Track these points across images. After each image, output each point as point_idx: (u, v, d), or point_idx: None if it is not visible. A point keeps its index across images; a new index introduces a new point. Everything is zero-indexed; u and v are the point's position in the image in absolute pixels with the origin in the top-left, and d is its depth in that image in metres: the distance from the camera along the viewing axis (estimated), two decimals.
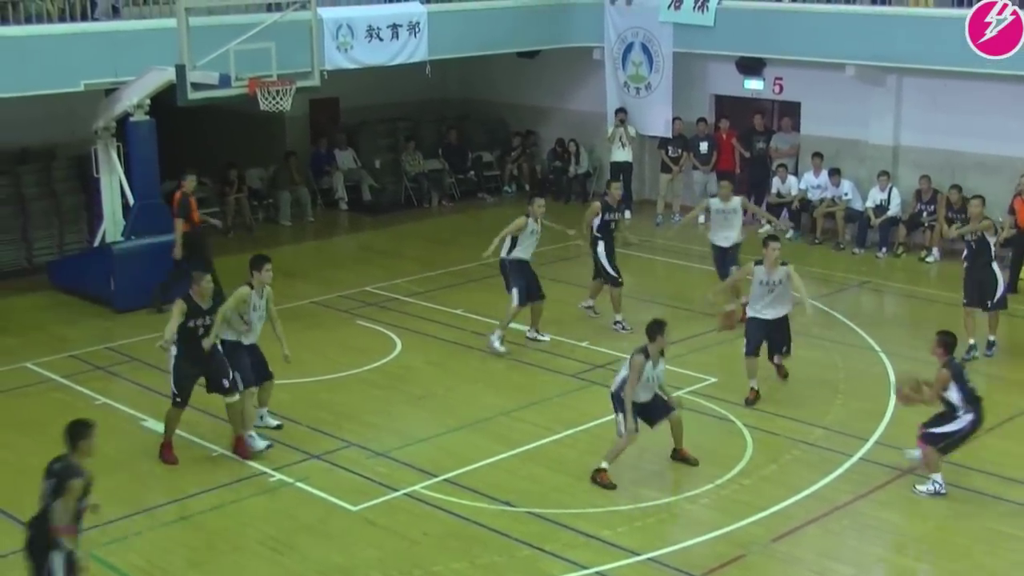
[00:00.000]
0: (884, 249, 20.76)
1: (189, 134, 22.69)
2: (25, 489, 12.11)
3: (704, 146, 23.04)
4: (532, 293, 16.01)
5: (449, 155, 25.87)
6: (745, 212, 17.75)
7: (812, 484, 12.15)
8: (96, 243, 18.88)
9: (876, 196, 20.94)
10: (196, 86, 16.70)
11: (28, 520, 9.13)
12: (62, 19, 17.74)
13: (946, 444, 11.83)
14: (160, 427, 13.30)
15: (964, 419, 11.76)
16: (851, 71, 20.90)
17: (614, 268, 17.00)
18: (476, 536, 11.22)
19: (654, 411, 12.40)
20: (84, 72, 17.44)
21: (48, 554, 8.91)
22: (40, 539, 8.97)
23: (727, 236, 17.45)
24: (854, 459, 12.70)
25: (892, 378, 15.01)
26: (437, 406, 14.35)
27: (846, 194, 21.36)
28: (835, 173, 21.46)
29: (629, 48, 23.53)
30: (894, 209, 20.79)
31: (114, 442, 13.36)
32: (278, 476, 12.41)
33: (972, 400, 11.82)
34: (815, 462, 12.68)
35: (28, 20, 17.32)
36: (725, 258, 17.48)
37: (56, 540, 8.88)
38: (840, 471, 12.46)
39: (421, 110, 26.65)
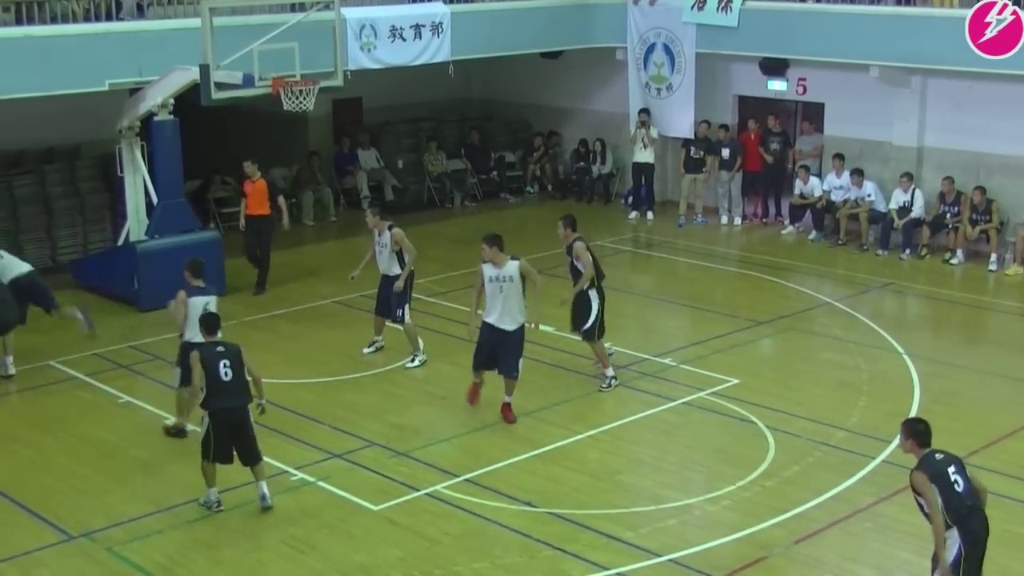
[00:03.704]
0: (908, 251, 20.67)
1: (213, 134, 22.77)
2: (50, 487, 12.29)
3: (726, 152, 22.97)
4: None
5: (472, 155, 25.89)
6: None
7: (834, 486, 12.10)
8: (120, 242, 18.95)
9: (899, 198, 20.85)
10: (220, 86, 16.74)
11: (235, 402, 11.37)
12: (87, 19, 17.84)
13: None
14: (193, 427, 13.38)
15: (952, 544, 8.85)
16: (875, 72, 20.80)
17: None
18: (497, 536, 11.23)
19: None
20: (109, 71, 17.51)
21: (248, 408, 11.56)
22: (248, 399, 11.53)
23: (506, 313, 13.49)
24: (877, 461, 12.64)
25: (915, 380, 14.96)
26: (458, 406, 14.33)
27: (869, 195, 21.27)
28: (857, 174, 21.37)
29: (651, 49, 23.48)
30: (917, 211, 20.69)
31: (137, 441, 13.45)
32: (300, 475, 12.44)
33: (958, 509, 8.82)
34: (837, 464, 12.63)
35: (53, 20, 17.42)
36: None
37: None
38: (863, 473, 12.41)
39: (444, 110, 26.67)
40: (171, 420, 13.53)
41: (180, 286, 13.11)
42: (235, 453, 11.58)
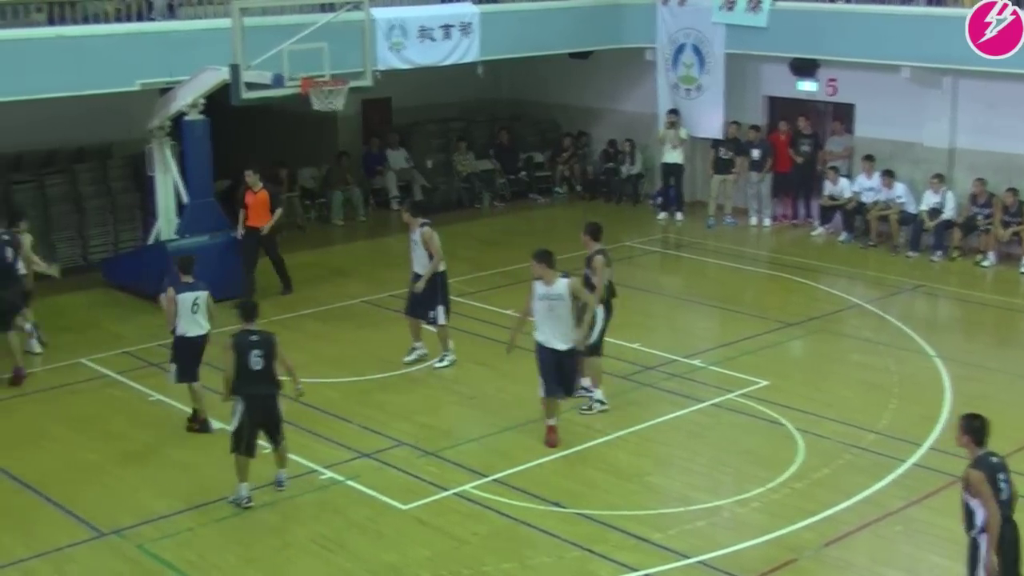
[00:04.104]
0: (939, 253, 20.54)
1: (243, 134, 22.84)
2: (81, 484, 12.37)
3: (756, 152, 22.89)
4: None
5: (501, 156, 25.89)
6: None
7: (864, 489, 12.04)
8: (150, 241, 19.05)
9: (930, 199, 20.71)
10: (250, 86, 16.83)
11: (265, 390, 11.67)
12: (118, 19, 17.94)
13: None
14: (213, 423, 13.44)
15: (983, 546, 8.74)
16: (906, 73, 20.68)
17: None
18: (525, 537, 11.23)
19: None
20: (140, 71, 17.61)
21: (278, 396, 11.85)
22: (277, 387, 11.80)
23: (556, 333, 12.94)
24: (907, 464, 12.58)
25: (946, 383, 14.87)
26: (487, 407, 14.35)
27: (900, 197, 21.14)
28: (888, 175, 21.25)
29: (680, 49, 23.43)
30: (949, 212, 20.56)
31: (167, 438, 13.52)
32: (329, 474, 12.47)
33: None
34: (867, 467, 12.57)
35: (85, 20, 17.55)
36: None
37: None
38: (893, 476, 12.35)
39: (473, 110, 26.69)
40: (191, 414, 13.72)
41: (171, 283, 13.41)
42: (261, 440, 11.85)
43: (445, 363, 15.57)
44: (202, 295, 13.32)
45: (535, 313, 12.94)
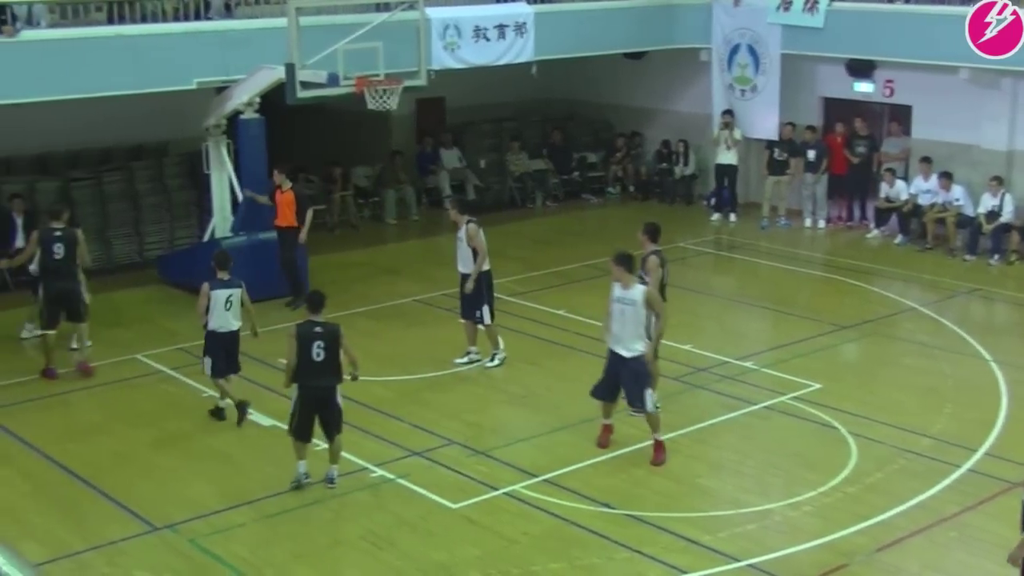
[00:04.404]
0: (996, 256, 20.29)
1: (297, 133, 22.99)
2: (133, 478, 12.50)
3: (812, 154, 22.69)
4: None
5: (554, 155, 25.87)
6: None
7: (918, 494, 11.91)
8: (205, 238, 19.21)
9: (988, 202, 20.47)
10: (305, 85, 16.92)
11: (324, 382, 11.79)
12: (176, 18, 18.13)
13: None
14: (264, 420, 13.53)
15: None
16: (965, 74, 20.45)
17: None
18: (575, 537, 11.20)
19: None
20: (197, 70, 17.78)
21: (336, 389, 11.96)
22: (337, 380, 11.89)
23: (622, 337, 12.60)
24: (962, 470, 12.43)
25: (1003, 387, 14.69)
26: (538, 406, 14.35)
27: (957, 199, 20.90)
28: (945, 177, 21.02)
29: (735, 49, 23.33)
30: (1007, 215, 20.30)
31: (219, 434, 13.62)
32: (379, 472, 12.51)
33: None
34: (921, 472, 12.43)
35: (144, 19, 17.74)
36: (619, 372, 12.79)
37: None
38: (947, 482, 12.20)
39: (526, 110, 26.69)
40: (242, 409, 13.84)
41: (207, 278, 13.59)
42: (317, 426, 11.97)
43: (495, 362, 15.58)
44: (236, 292, 13.50)
45: (609, 315, 12.73)
